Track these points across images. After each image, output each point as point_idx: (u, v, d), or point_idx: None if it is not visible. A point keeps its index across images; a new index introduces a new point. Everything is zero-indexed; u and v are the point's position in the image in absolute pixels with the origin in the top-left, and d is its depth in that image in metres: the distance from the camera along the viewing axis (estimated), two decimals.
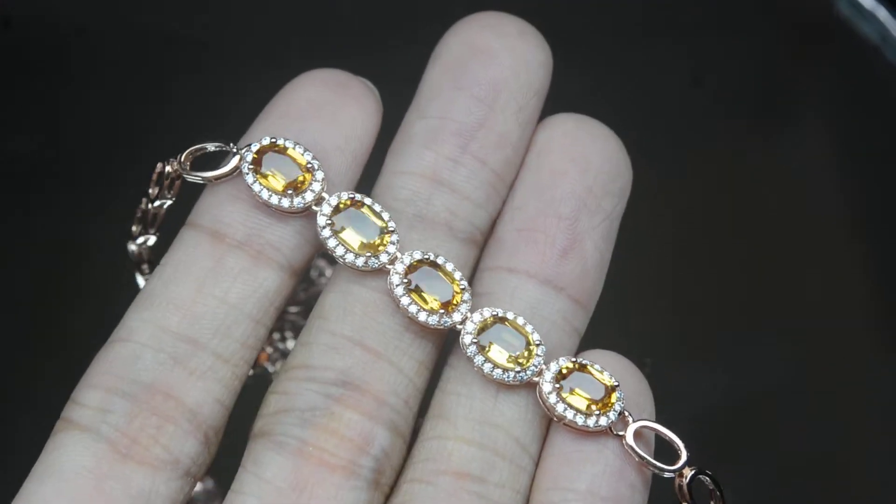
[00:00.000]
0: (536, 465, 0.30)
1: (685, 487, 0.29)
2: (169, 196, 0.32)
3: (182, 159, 0.31)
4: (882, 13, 0.43)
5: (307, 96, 0.31)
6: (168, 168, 0.31)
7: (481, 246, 0.32)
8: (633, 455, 0.29)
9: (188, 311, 0.30)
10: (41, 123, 0.45)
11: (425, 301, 0.30)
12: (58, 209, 0.43)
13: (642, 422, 0.30)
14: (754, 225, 0.45)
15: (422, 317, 0.30)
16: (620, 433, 0.29)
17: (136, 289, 0.34)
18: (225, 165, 0.31)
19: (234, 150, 0.31)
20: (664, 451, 0.30)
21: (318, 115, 0.31)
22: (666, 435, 0.30)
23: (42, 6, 0.45)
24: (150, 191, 0.32)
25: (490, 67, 0.31)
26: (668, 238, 0.44)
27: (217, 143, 0.31)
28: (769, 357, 0.43)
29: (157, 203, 0.32)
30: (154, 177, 0.32)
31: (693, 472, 0.29)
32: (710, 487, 0.30)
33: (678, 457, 0.30)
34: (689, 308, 0.42)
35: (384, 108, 0.32)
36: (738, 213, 0.45)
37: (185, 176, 0.31)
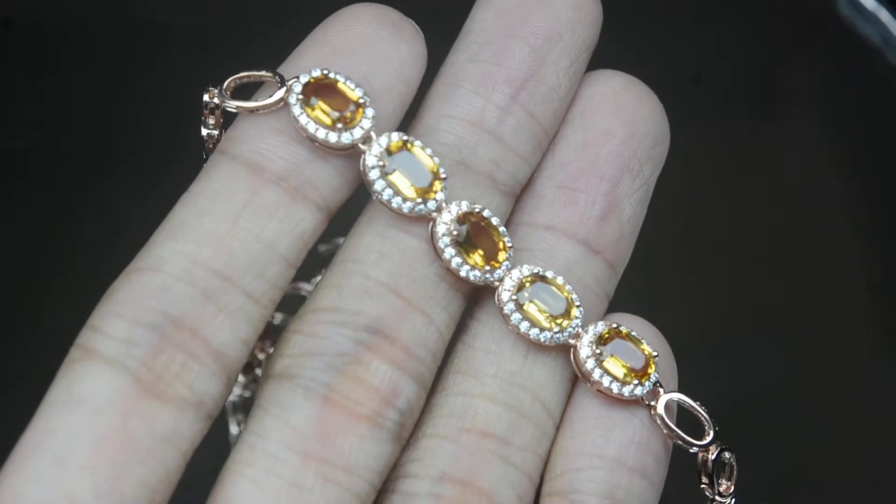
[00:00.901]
0: (557, 428, 0.29)
1: (710, 464, 0.29)
2: (212, 127, 0.30)
3: (224, 88, 0.30)
4: (884, 14, 0.43)
5: (359, 31, 0.30)
6: (206, 97, 0.30)
7: (516, 199, 0.31)
8: (663, 427, 0.29)
9: (222, 246, 0.28)
10: (40, 122, 0.45)
11: (469, 255, 0.29)
12: (56, 206, 0.43)
13: (673, 394, 0.29)
14: (751, 224, 0.45)
15: (464, 271, 0.29)
16: (651, 403, 0.29)
17: None
18: (270, 96, 0.29)
19: (282, 82, 0.29)
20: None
21: (370, 51, 0.30)
22: (697, 410, 0.29)
23: (42, 6, 0.45)
24: (204, 121, 0.31)
25: (548, 18, 0.31)
26: (661, 235, 0.44)
27: (263, 72, 0.30)
28: (765, 356, 0.43)
29: (204, 132, 0.31)
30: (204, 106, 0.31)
31: (719, 449, 0.29)
32: (726, 462, 0.29)
33: (705, 433, 0.29)
34: (684, 306, 0.42)
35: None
36: (735, 211, 0.45)
37: (227, 105, 0.30)
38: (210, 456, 0.28)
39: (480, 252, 0.29)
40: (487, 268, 0.29)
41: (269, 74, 0.30)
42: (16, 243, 0.44)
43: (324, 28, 0.30)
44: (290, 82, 0.29)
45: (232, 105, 0.29)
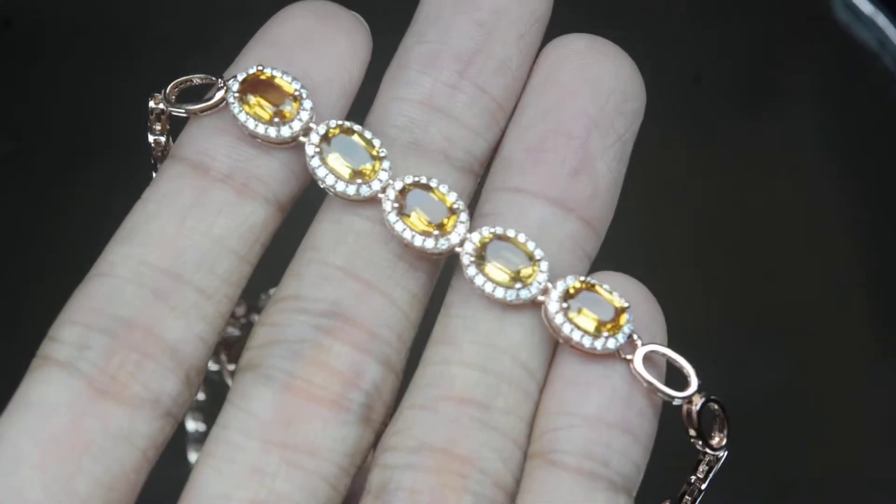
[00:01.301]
0: (542, 390, 0.29)
1: (694, 415, 0.28)
2: (159, 132, 0.31)
3: (167, 93, 0.30)
4: (881, 19, 0.44)
5: (295, 27, 0.30)
6: (151, 103, 0.30)
7: (478, 176, 0.31)
8: (642, 380, 0.28)
9: (170, 245, 0.29)
10: (40, 122, 0.45)
11: (417, 225, 0.29)
12: (53, 206, 0.43)
13: (651, 346, 0.28)
14: (750, 224, 0.45)
15: (417, 241, 0.29)
16: (629, 357, 0.28)
17: None
18: (210, 98, 0.30)
19: (220, 82, 0.30)
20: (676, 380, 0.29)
21: (307, 45, 0.30)
22: (676, 360, 0.29)
23: (42, 6, 0.45)
24: (151, 127, 0.31)
25: None
26: (660, 237, 0.44)
27: (202, 75, 0.31)
28: (764, 356, 0.43)
29: (150, 140, 0.31)
30: (149, 112, 0.31)
31: (703, 399, 0.28)
32: (716, 415, 0.29)
33: (688, 384, 0.28)
34: (683, 304, 0.42)
35: (379, 42, 0.31)
36: (733, 212, 0.45)
37: (171, 109, 0.30)
38: None
39: (426, 219, 0.29)
40: (437, 233, 0.29)
41: (207, 76, 0.30)
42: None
43: (265, 27, 0.31)
44: (227, 81, 0.30)
45: (176, 109, 0.30)
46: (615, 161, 0.30)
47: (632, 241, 0.40)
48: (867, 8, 0.44)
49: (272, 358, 0.28)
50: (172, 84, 0.30)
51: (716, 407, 0.29)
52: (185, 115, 0.30)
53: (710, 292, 0.44)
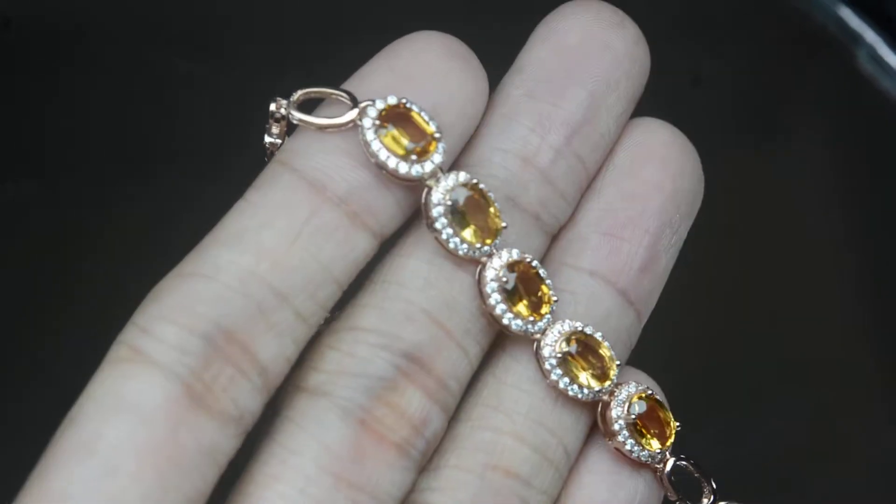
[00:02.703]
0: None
1: None
2: (276, 136, 0.30)
3: (293, 100, 0.29)
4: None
5: (427, 61, 0.30)
6: (273, 107, 0.30)
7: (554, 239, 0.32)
8: (669, 489, 0.30)
9: (280, 262, 0.28)
10: (39, 124, 0.44)
11: (514, 304, 0.29)
12: (51, 207, 0.42)
13: (681, 459, 0.30)
14: (747, 248, 0.45)
15: (506, 319, 0.29)
16: (658, 466, 0.30)
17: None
18: (338, 115, 0.29)
19: (354, 103, 0.29)
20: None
21: (439, 84, 0.30)
22: (698, 473, 0.30)
23: (42, 6, 0.44)
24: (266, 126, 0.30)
25: (607, 64, 0.31)
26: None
27: (337, 91, 0.30)
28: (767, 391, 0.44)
29: (267, 140, 0.30)
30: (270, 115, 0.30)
31: None
32: None
33: (704, 494, 0.30)
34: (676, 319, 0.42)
35: None
36: (731, 234, 0.45)
37: (293, 117, 0.29)
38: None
39: (525, 302, 0.29)
40: (531, 318, 0.29)
41: (342, 94, 0.29)
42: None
43: (391, 53, 0.30)
44: (363, 105, 0.29)
45: (298, 118, 0.29)
46: (672, 259, 0.31)
47: None
48: (892, 59, 0.44)
49: (348, 390, 0.28)
50: (300, 93, 0.29)
51: None
52: (308, 126, 0.29)
53: (705, 309, 0.44)
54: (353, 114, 0.29)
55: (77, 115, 0.44)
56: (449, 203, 0.29)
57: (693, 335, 0.44)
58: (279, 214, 0.28)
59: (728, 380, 0.44)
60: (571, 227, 0.31)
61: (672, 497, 0.30)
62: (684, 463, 0.30)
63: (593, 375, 0.29)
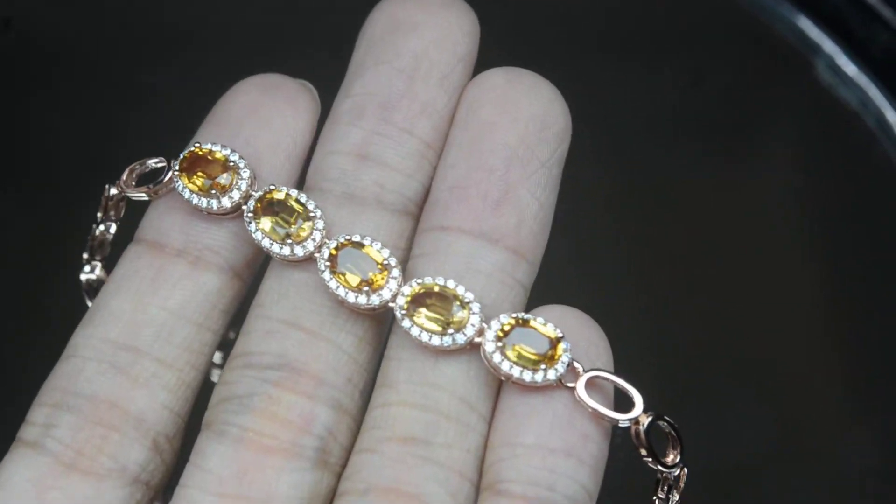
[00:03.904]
0: (490, 423, 0.30)
1: (642, 435, 0.29)
2: (113, 218, 0.33)
3: (125, 178, 0.32)
4: (863, 80, 0.45)
5: (242, 102, 0.32)
6: (113, 190, 0.32)
7: (418, 216, 0.32)
8: (585, 406, 0.29)
9: (128, 321, 0.30)
10: (38, 124, 0.45)
11: (350, 282, 0.30)
12: (48, 209, 0.43)
13: (592, 372, 0.29)
14: (711, 251, 0.45)
15: (350, 298, 0.30)
16: (571, 385, 0.29)
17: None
18: (162, 178, 0.32)
19: (168, 163, 0.32)
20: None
21: (251, 117, 0.32)
22: (618, 383, 0.29)
23: (42, 6, 0.45)
24: (99, 214, 0.33)
25: (410, 39, 0.32)
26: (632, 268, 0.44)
27: (156, 159, 0.32)
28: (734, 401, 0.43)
29: (101, 227, 0.33)
30: (102, 200, 0.33)
31: (650, 418, 0.29)
32: (669, 433, 0.29)
33: (632, 405, 0.29)
34: (650, 334, 0.42)
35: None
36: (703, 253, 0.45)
37: (128, 193, 0.32)
38: None
39: (359, 276, 0.30)
40: (367, 289, 0.30)
41: (155, 159, 0.32)
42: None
43: (216, 106, 0.32)
44: (173, 161, 0.31)
45: (132, 193, 0.32)
46: (540, 188, 0.31)
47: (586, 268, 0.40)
48: (850, 69, 0.45)
49: (224, 414, 0.29)
50: (128, 169, 0.32)
51: (665, 424, 0.29)
52: (141, 197, 0.32)
53: (678, 326, 0.44)
54: (171, 172, 0.31)
55: (76, 115, 0.45)
56: (254, 217, 0.31)
57: (658, 336, 0.44)
58: (127, 283, 0.30)
59: (689, 381, 0.44)
60: (427, 198, 0.31)
61: (594, 416, 0.29)
62: (598, 374, 0.29)
63: (452, 322, 0.29)
